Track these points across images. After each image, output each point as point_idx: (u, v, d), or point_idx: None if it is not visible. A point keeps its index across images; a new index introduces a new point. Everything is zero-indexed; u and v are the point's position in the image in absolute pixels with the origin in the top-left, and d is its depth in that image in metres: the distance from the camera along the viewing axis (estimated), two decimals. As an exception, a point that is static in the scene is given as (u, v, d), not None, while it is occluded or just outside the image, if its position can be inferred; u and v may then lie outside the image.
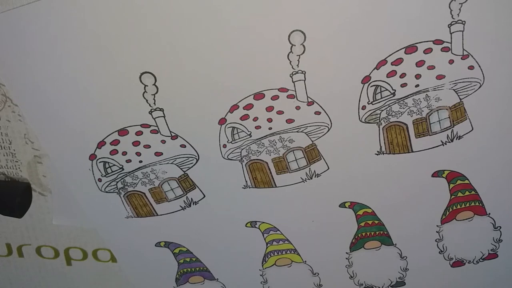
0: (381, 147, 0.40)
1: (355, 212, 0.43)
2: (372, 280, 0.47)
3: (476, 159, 0.40)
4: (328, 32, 0.35)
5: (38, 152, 0.43)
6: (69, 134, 0.40)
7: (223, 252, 0.46)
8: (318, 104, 0.38)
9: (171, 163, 0.41)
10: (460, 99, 0.38)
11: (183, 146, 0.40)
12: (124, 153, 0.41)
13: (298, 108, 0.38)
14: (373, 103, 0.38)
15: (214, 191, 0.42)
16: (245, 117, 0.38)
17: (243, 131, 0.39)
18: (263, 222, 0.44)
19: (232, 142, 0.40)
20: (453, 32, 0.35)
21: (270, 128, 0.39)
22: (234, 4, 0.34)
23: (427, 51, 0.36)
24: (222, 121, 0.39)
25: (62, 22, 0.35)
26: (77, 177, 0.42)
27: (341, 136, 0.39)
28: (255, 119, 0.39)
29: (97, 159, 0.41)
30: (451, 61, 0.36)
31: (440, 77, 0.37)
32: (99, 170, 0.41)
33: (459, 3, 0.34)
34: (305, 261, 0.46)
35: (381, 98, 0.38)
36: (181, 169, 0.41)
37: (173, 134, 0.40)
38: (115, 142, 0.40)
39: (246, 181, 0.42)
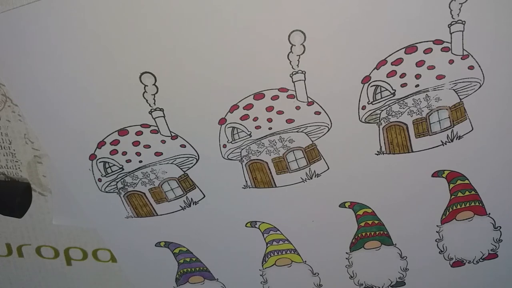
0: (381, 147, 0.40)
1: (355, 212, 0.43)
2: (372, 280, 0.47)
3: (476, 159, 0.40)
4: (328, 32, 0.35)
5: (38, 152, 0.43)
6: (69, 134, 0.40)
7: (223, 252, 0.46)
8: (318, 104, 0.38)
9: (171, 163, 0.41)
10: (460, 99, 0.38)
11: (183, 146, 0.40)
12: (124, 153, 0.41)
13: (298, 108, 0.38)
14: (373, 103, 0.38)
15: (214, 191, 0.42)
16: (245, 117, 0.38)
17: (243, 131, 0.39)
18: (263, 222, 0.44)
19: (232, 142, 0.40)
20: (453, 32, 0.35)
21: (270, 128, 0.39)
22: (234, 4, 0.34)
23: (427, 51, 0.36)
24: (222, 121, 0.39)
25: (62, 22, 0.35)
26: (77, 177, 0.42)
27: (341, 136, 0.39)
28: (255, 119, 0.39)
29: (97, 159, 0.41)
30: (451, 61, 0.36)
31: (440, 77, 0.37)
32: (99, 170, 0.41)
33: (459, 3, 0.34)
34: (305, 261, 0.46)
35: (381, 98, 0.38)
36: (181, 169, 0.41)
37: (173, 134, 0.40)
38: (115, 142, 0.40)
39: (246, 181, 0.42)
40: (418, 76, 0.37)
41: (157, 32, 0.35)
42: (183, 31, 0.35)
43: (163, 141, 0.40)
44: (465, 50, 0.36)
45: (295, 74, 0.36)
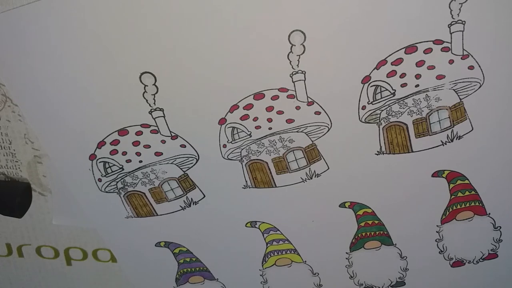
0: (381, 147, 0.40)
1: (355, 212, 0.43)
2: (372, 280, 0.47)
3: (476, 159, 0.40)
4: (328, 32, 0.35)
5: (38, 152, 0.43)
6: (69, 134, 0.40)
7: (223, 252, 0.46)
8: (318, 104, 0.38)
9: (171, 163, 0.41)
10: (460, 99, 0.38)
11: (183, 146, 0.40)
12: (124, 153, 0.41)
13: (298, 108, 0.38)
14: (373, 103, 0.38)
15: (214, 191, 0.42)
16: (245, 117, 0.38)
17: (243, 131, 0.39)
18: (263, 222, 0.44)
19: (232, 142, 0.40)
20: (453, 32, 0.35)
21: (270, 128, 0.39)
22: (234, 4, 0.34)
23: (427, 51, 0.36)
24: (222, 121, 0.39)
25: (62, 22, 0.35)
26: (77, 177, 0.42)
27: (341, 136, 0.39)
28: (255, 119, 0.39)
29: (97, 159, 0.41)
30: (451, 61, 0.36)
31: (440, 77, 0.37)
32: (99, 170, 0.41)
33: (459, 3, 0.34)
34: (305, 261, 0.46)
35: (381, 98, 0.38)
36: (181, 169, 0.41)
37: (173, 134, 0.40)
38: (115, 142, 0.40)
39: (246, 181, 0.42)
40: (418, 76, 0.37)
41: (157, 32, 0.35)
42: (183, 31, 0.35)
43: (163, 141, 0.40)
44: (465, 50, 0.36)
45: (295, 74, 0.36)
